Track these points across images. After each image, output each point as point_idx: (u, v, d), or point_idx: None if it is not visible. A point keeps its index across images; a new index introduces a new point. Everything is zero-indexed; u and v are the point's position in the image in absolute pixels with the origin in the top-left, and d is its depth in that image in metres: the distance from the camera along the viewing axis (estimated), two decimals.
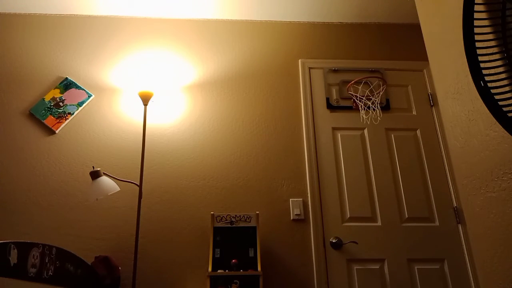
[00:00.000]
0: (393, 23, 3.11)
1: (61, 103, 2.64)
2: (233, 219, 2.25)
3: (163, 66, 2.82)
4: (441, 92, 1.52)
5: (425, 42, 1.67)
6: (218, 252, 2.16)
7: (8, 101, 2.64)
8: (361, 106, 2.70)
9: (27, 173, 2.46)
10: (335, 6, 2.93)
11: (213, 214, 2.26)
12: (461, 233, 2.43)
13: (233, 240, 2.20)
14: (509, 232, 1.15)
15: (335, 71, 2.88)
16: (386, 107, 2.77)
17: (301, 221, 2.44)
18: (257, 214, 2.26)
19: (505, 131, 1.07)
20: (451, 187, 2.54)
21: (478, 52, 1.00)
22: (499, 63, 1.04)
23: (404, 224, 2.46)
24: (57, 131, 2.57)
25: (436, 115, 2.75)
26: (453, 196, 2.52)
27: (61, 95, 2.66)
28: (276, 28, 3.03)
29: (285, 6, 2.92)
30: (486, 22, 1.08)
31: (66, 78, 2.72)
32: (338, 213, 2.46)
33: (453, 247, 2.40)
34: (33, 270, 1.57)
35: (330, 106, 2.76)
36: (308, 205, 2.47)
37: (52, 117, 2.59)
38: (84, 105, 2.65)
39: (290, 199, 2.48)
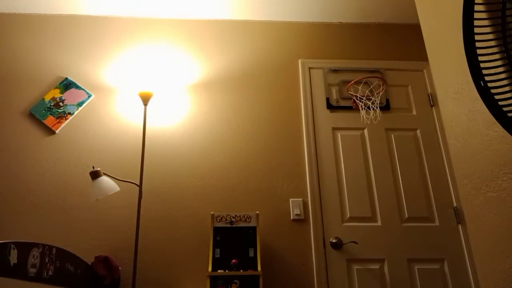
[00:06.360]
0: (393, 23, 3.11)
1: (61, 103, 2.64)
2: (233, 219, 2.25)
3: (163, 66, 2.82)
4: (441, 92, 1.52)
5: (425, 42, 1.67)
6: (218, 252, 2.16)
7: (8, 101, 2.64)
8: (361, 106, 2.70)
9: (27, 173, 2.45)
10: (335, 6, 2.93)
11: (213, 214, 2.26)
12: (461, 233, 2.43)
13: (233, 240, 2.20)
14: (509, 232, 1.15)
15: (335, 71, 2.88)
16: (386, 107, 2.77)
17: (301, 221, 2.44)
18: (257, 214, 2.26)
19: (505, 131, 1.07)
20: (451, 187, 2.54)
21: (478, 52, 1.00)
22: (499, 63, 1.04)
23: (404, 224, 2.46)
24: (57, 131, 2.57)
25: (436, 115, 2.75)
26: (453, 196, 2.52)
27: (61, 95, 2.66)
28: (276, 28, 3.02)
29: (285, 6, 2.92)
30: (486, 22, 1.08)
31: (66, 78, 2.72)
32: (338, 213, 2.46)
33: (453, 247, 2.40)
34: (33, 270, 1.57)
35: (330, 106, 2.76)
36: (308, 205, 2.47)
37: (52, 117, 2.59)
38: (84, 105, 2.65)
39: (290, 199, 2.48)
